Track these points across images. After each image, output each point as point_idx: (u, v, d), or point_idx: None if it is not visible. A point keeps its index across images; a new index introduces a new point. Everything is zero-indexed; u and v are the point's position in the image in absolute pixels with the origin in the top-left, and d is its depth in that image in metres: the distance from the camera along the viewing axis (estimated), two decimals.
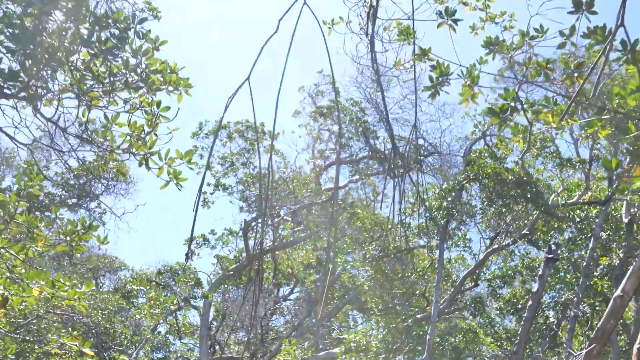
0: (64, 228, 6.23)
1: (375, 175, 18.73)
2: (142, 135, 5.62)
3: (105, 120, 5.90)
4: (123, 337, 32.91)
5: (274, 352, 20.25)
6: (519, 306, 16.54)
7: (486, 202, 15.51)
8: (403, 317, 17.48)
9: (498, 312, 18.08)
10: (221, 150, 19.02)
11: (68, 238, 6.17)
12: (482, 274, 18.23)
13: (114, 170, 22.99)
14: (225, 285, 21.81)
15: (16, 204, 6.33)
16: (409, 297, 20.45)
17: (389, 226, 20.34)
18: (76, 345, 7.01)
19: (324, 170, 18.08)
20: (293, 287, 27.71)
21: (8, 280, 6.41)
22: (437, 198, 16.49)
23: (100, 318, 24.51)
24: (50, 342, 22.03)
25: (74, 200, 22.54)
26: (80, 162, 23.22)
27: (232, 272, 17.47)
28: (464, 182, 15.99)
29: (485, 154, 16.81)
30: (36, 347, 24.57)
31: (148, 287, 16.83)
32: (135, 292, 25.07)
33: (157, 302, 16.74)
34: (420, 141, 17.82)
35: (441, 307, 16.94)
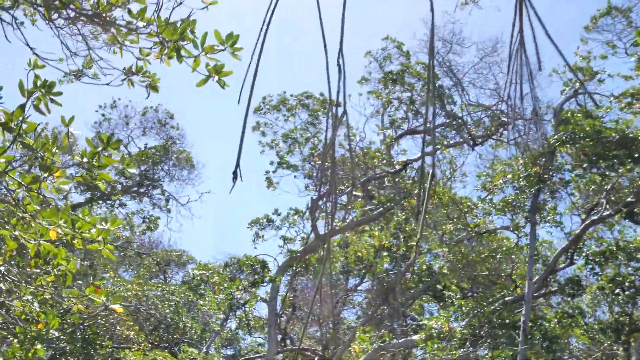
0: (82, 152, 4.99)
1: (453, 146, 17.02)
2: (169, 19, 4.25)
3: None
4: (193, 331, 32.36)
5: (348, 341, 18.87)
6: (626, 284, 14.50)
7: (585, 164, 13.54)
8: (490, 300, 15.71)
9: (600, 293, 16.04)
10: (285, 127, 17.80)
11: (86, 160, 4.92)
12: (579, 250, 16.20)
13: (177, 156, 22.23)
14: (293, 269, 20.57)
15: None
16: (494, 280, 18.65)
17: (469, 204, 18.61)
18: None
19: (396, 141, 16.54)
20: (363, 276, 26.26)
21: (22, 221, 5.26)
22: (525, 164, 14.68)
23: (167, 310, 23.81)
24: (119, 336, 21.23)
25: (136, 189, 21.88)
26: (141, 149, 22.63)
27: (299, 254, 16.18)
28: (557, 144, 14.10)
29: (579, 114, 14.87)
30: (105, 339, 24.16)
31: (210, 272, 15.75)
32: (201, 280, 24.26)
33: (222, 287, 15.64)
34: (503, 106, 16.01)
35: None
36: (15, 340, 7.77)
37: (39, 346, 7.80)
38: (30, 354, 7.56)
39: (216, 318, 25.77)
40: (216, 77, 4.12)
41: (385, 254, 18.39)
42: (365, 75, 16.35)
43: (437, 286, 22.76)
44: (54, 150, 4.65)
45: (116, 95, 21.43)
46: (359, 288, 26.53)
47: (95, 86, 8.02)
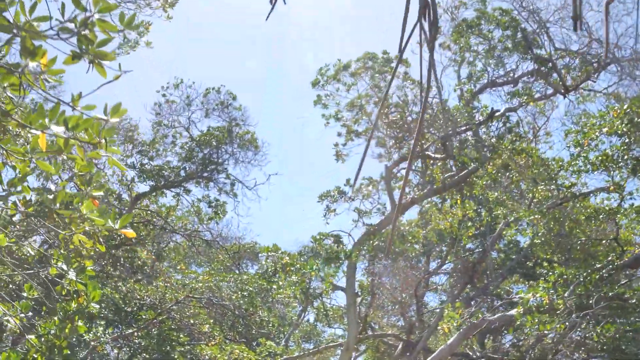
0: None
1: (542, 99, 15.13)
2: None
3: None
4: (270, 325, 31.49)
5: (435, 322, 17.37)
6: None
7: None
8: (597, 266, 13.83)
9: None
10: (348, 96, 16.45)
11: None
12: None
13: (241, 137, 21.27)
14: (370, 253, 19.20)
15: None
16: (594, 247, 16.66)
17: (561, 163, 16.68)
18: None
19: (475, 96, 14.83)
20: (445, 257, 24.52)
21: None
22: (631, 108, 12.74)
23: (241, 301, 22.92)
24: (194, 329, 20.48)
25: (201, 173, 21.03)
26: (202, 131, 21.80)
27: (376, 228, 14.79)
28: None
29: None
30: (181, 335, 23.54)
31: (280, 252, 14.58)
32: (273, 266, 23.23)
33: (293, 269, 14.45)
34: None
35: None
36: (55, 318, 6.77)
37: (79, 322, 6.78)
38: (67, 329, 6.54)
39: (292, 307, 24.71)
40: None
41: (469, 224, 16.74)
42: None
43: (528, 263, 20.86)
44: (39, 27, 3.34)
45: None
46: (441, 270, 24.88)
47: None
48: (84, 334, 21.12)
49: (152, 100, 20.73)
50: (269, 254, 14.17)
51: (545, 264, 20.23)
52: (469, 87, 14.28)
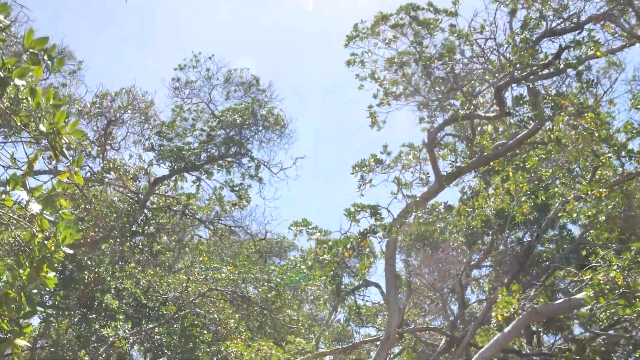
0: None
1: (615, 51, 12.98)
2: None
3: None
4: (300, 324, 29.66)
5: (487, 307, 15.45)
6: None
7: None
8: None
9: None
10: (385, 54, 14.66)
11: None
12: None
13: (265, 116, 19.64)
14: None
15: None
16: None
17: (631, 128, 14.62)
18: None
19: (535, 44, 12.81)
20: (491, 245, 22.49)
21: None
22: None
23: (267, 293, 21.19)
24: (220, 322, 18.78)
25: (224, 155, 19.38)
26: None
27: (418, 200, 12.95)
28: None
29: None
30: (205, 332, 21.91)
31: (311, 227, 12.80)
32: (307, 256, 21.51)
33: (325, 247, 12.69)
34: None
35: None
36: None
37: (51, 274, 5.11)
38: (24, 276, 4.92)
39: (323, 301, 22.90)
40: None
41: (523, 199, 14.77)
42: None
43: (583, 251, 18.75)
44: None
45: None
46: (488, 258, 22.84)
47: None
48: (102, 330, 19.74)
49: (172, 77, 19.15)
50: (298, 228, 12.40)
51: (599, 250, 18.16)
52: (524, 35, 12.34)
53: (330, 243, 12.60)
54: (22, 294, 4.76)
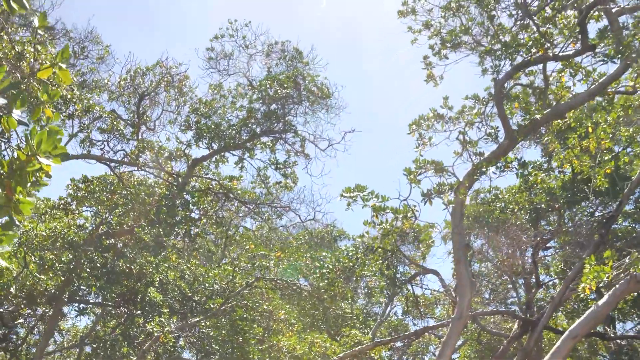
0: None
1: None
2: None
3: None
4: (354, 318, 28.08)
5: (567, 281, 13.61)
6: None
7: None
8: None
9: None
10: (440, 2, 13.02)
11: None
12: None
13: (309, 85, 18.19)
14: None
15: None
16: None
17: None
18: None
19: None
20: (560, 218, 20.45)
21: None
22: None
23: (319, 281, 19.70)
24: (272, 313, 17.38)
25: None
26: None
27: (487, 158, 11.26)
28: None
29: None
30: (255, 326, 20.57)
31: (367, 192, 11.23)
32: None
33: (383, 216, 11.13)
34: None
35: None
36: None
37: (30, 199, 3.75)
38: None
39: (380, 286, 21.28)
40: None
41: (607, 157, 12.90)
42: None
43: None
44: None
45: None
46: (550, 246, 20.87)
47: None
48: (147, 325, 18.67)
49: (207, 47, 17.82)
50: (352, 195, 10.86)
51: None
52: None
53: (388, 210, 11.01)
54: None
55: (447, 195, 10.69)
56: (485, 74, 12.32)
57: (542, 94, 12.20)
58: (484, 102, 11.88)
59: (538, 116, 11.53)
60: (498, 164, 10.70)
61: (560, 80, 12.40)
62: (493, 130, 11.70)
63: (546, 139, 12.95)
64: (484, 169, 10.56)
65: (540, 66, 12.21)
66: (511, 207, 21.82)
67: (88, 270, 16.57)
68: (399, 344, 34.49)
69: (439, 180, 10.62)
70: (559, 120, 12.86)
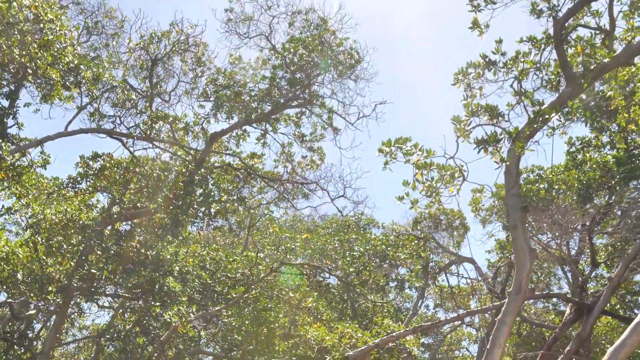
0: None
1: None
2: None
3: None
4: (385, 311, 26.54)
5: (626, 261, 12.01)
6: None
7: None
8: None
9: None
10: None
11: None
12: None
13: (334, 56, 16.75)
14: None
15: None
16: None
17: None
18: None
19: None
20: (610, 195, 18.69)
21: None
22: None
23: (351, 269, 18.21)
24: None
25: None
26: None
27: (549, 105, 9.68)
28: None
29: None
30: (280, 315, 19.15)
31: (411, 143, 9.71)
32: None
33: (424, 175, 9.62)
34: None
35: None
36: None
37: None
38: None
39: (414, 270, 19.72)
40: None
41: None
42: None
43: None
44: None
45: None
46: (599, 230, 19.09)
47: None
48: (164, 314, 17.37)
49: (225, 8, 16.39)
50: (392, 149, 9.35)
51: None
52: None
53: (434, 167, 9.50)
54: None
55: (501, 148, 9.14)
56: (540, 17, 10.75)
57: (607, 37, 10.58)
58: (541, 46, 10.29)
59: (606, 59, 9.91)
60: (564, 110, 9.13)
61: (629, 22, 10.79)
62: (554, 76, 10.11)
63: (609, 92, 11.29)
64: (546, 116, 8.99)
65: (606, 4, 10.62)
66: (556, 187, 20.19)
67: (99, 253, 15.30)
68: (430, 340, 32.88)
69: (492, 131, 9.06)
70: (624, 69, 11.24)
